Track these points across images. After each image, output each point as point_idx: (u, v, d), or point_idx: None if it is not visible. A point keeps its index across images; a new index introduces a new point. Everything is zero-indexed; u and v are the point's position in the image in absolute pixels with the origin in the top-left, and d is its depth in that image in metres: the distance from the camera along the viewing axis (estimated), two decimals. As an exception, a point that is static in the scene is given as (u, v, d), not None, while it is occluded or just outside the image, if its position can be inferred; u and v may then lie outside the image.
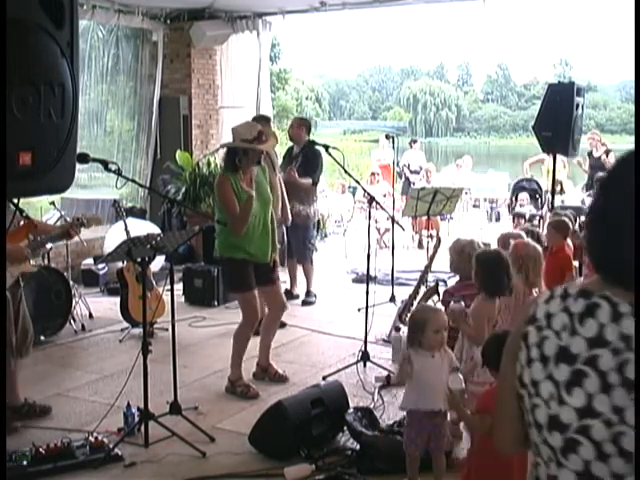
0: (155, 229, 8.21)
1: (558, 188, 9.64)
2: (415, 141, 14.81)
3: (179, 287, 7.42)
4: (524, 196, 11.06)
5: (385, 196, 10.63)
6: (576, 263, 6.16)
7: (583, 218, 8.07)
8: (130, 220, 6.96)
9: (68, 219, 5.53)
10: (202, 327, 6.76)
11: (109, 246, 7.34)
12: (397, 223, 6.98)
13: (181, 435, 4.23)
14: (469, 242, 4.78)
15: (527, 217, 10.54)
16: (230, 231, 4.95)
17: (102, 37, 10.21)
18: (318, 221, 8.26)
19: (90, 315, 6.98)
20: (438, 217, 9.77)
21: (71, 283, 6.61)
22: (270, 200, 5.21)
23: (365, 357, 5.53)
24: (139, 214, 9.43)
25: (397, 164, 12.16)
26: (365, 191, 6.62)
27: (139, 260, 4.45)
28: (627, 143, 37.21)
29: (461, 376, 3.09)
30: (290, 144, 7.63)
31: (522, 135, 64.76)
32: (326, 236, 11.42)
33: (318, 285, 7.86)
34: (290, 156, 7.49)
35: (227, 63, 10.26)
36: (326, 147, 6.05)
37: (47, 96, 2.11)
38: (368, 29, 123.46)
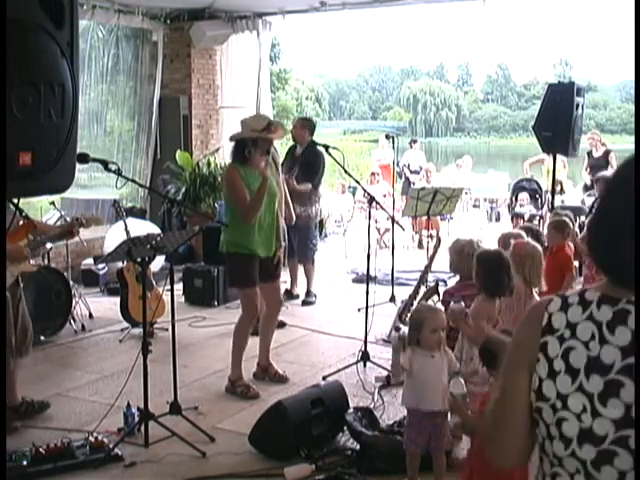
0: (155, 229, 8.21)
1: (558, 188, 9.64)
2: (415, 141, 14.80)
3: (179, 287, 7.41)
4: (524, 196, 11.05)
5: (385, 196, 10.63)
6: (576, 263, 6.16)
7: (583, 218, 8.08)
8: (130, 220, 6.96)
9: (68, 219, 5.53)
10: (202, 327, 6.76)
11: (109, 246, 7.34)
12: (397, 223, 6.99)
13: (181, 435, 4.23)
14: (469, 242, 4.78)
15: (527, 217, 10.54)
16: (237, 228, 4.96)
17: (102, 37, 10.21)
18: (320, 221, 8.26)
19: (90, 315, 6.98)
20: (438, 217, 9.77)
21: (71, 283, 6.61)
22: (277, 195, 5.23)
23: (365, 357, 5.53)
24: (139, 214, 9.43)
25: (397, 164, 12.16)
26: (365, 191, 6.62)
27: (139, 260, 4.45)
28: (627, 143, 37.22)
29: (462, 380, 3.08)
30: (292, 143, 7.63)
31: (522, 135, 64.77)
32: (326, 236, 11.42)
33: (318, 285, 7.86)
34: (292, 156, 7.48)
35: (227, 63, 10.26)
36: (326, 147, 6.06)
37: (47, 96, 2.11)
38: (368, 29, 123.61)
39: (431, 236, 8.28)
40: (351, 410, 4.36)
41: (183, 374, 4.98)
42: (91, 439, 4.11)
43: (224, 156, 9.79)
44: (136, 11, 9.30)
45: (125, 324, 6.50)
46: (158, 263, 7.42)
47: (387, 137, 10.68)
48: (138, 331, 5.79)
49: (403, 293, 6.78)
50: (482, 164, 25.15)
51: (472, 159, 14.90)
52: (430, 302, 5.22)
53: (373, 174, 11.63)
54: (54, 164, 2.20)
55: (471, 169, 14.42)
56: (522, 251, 4.18)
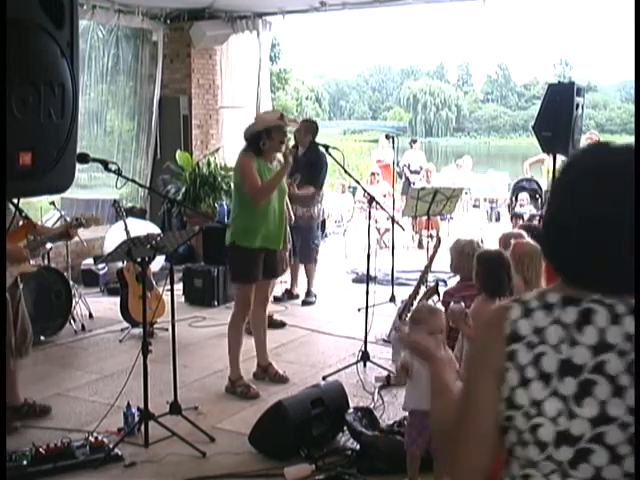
0: (155, 229, 8.21)
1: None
2: (415, 141, 14.81)
3: (179, 287, 7.41)
4: (524, 196, 11.06)
5: (385, 196, 10.63)
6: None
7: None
8: (130, 220, 6.96)
9: (68, 219, 5.53)
10: (202, 327, 6.76)
11: (109, 246, 7.34)
12: (397, 223, 6.99)
13: (181, 435, 4.23)
14: (469, 242, 4.78)
15: (527, 217, 10.54)
16: (247, 217, 4.96)
17: (102, 37, 10.21)
18: (323, 221, 8.26)
19: (90, 315, 6.98)
20: (438, 217, 9.77)
21: (71, 283, 6.61)
22: (285, 191, 5.26)
23: (365, 357, 5.53)
24: (139, 214, 9.43)
25: (397, 164, 12.16)
26: (365, 191, 6.62)
27: (139, 260, 4.45)
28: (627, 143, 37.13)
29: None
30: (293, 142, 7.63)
31: (522, 135, 64.75)
32: (326, 236, 11.42)
33: (318, 285, 7.86)
34: (295, 157, 7.48)
35: (227, 63, 10.26)
36: (326, 147, 6.07)
37: (47, 96, 2.10)
38: (368, 29, 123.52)
39: (431, 236, 8.28)
40: (351, 410, 4.36)
41: (183, 374, 4.98)
42: (91, 439, 4.11)
43: (224, 156, 9.80)
44: (136, 11, 9.29)
45: (125, 324, 6.50)
46: (158, 263, 7.42)
47: (387, 137, 10.68)
48: (138, 331, 5.79)
49: (403, 293, 6.78)
50: (482, 164, 25.16)
51: (472, 159, 14.90)
52: (430, 302, 5.22)
53: (373, 174, 11.63)
54: (54, 164, 2.20)
55: (471, 169, 14.42)
56: (521, 251, 4.17)
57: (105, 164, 4.05)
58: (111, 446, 4.08)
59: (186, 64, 9.99)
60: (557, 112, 6.87)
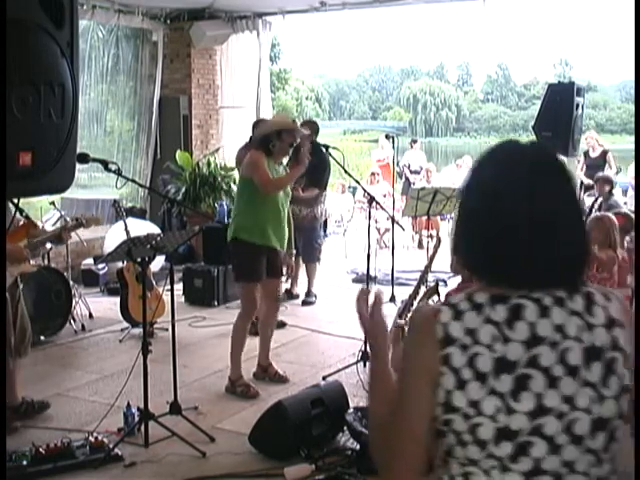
0: (155, 229, 8.21)
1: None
2: (415, 141, 14.81)
3: (179, 287, 7.41)
4: (524, 196, 11.05)
5: (385, 196, 10.63)
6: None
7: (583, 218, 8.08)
8: (130, 220, 6.96)
9: (68, 219, 5.53)
10: (202, 327, 6.76)
11: (109, 246, 7.34)
12: (397, 223, 6.99)
13: (181, 435, 4.23)
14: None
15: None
16: (253, 213, 4.96)
17: (102, 37, 10.21)
18: (325, 221, 8.27)
19: (90, 315, 6.98)
20: (438, 217, 9.77)
21: (71, 283, 6.61)
22: (290, 194, 5.26)
23: (365, 357, 5.52)
24: (139, 214, 9.43)
25: (397, 164, 12.16)
26: (365, 191, 6.63)
27: (139, 260, 4.45)
28: (627, 143, 37.20)
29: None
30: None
31: (522, 135, 64.61)
32: (326, 236, 11.42)
33: (318, 285, 7.86)
34: (296, 157, 7.48)
35: (227, 63, 10.26)
36: (326, 147, 6.08)
37: (47, 96, 2.10)
38: (368, 29, 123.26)
39: (431, 236, 8.28)
40: (351, 410, 4.36)
41: (183, 374, 4.98)
42: (91, 439, 4.11)
43: (224, 156, 9.80)
44: (136, 11, 9.29)
45: (125, 324, 6.50)
46: (158, 263, 7.42)
47: (387, 137, 10.67)
48: (138, 331, 5.79)
49: (403, 293, 6.77)
50: (482, 164, 25.08)
51: (472, 159, 14.86)
52: (430, 302, 5.22)
53: (373, 174, 11.63)
54: (54, 164, 2.19)
55: (471, 169, 14.40)
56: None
57: (105, 164, 4.05)
58: (111, 446, 4.08)
59: (186, 64, 9.99)
60: (557, 112, 6.87)
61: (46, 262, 6.70)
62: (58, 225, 6.09)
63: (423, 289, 5.86)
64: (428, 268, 6.14)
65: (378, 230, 10.43)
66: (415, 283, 6.19)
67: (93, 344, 6.33)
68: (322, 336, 6.57)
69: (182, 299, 7.47)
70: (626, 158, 15.81)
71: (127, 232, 6.00)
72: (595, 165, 10.64)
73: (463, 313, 1.40)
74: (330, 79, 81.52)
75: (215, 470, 3.98)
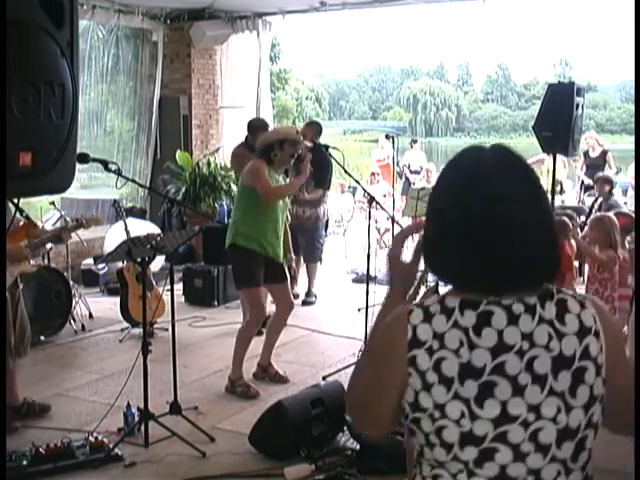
0: (155, 229, 8.21)
1: (558, 188, 9.65)
2: (415, 141, 14.80)
3: (179, 287, 7.41)
4: (524, 196, 11.05)
5: (385, 196, 10.64)
6: (576, 263, 6.15)
7: (583, 218, 8.08)
8: (130, 220, 6.96)
9: (68, 219, 5.53)
10: (202, 327, 6.76)
11: (109, 246, 7.34)
12: (397, 223, 6.98)
13: (181, 435, 4.23)
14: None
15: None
16: (252, 220, 4.95)
17: (102, 37, 10.21)
18: (327, 221, 8.27)
19: (90, 315, 6.98)
20: (438, 217, 9.75)
21: (71, 283, 6.61)
22: (287, 206, 5.27)
23: (365, 357, 5.53)
24: (139, 214, 9.43)
25: (397, 164, 12.15)
26: (365, 191, 6.62)
27: (139, 260, 4.45)
28: (627, 143, 37.18)
29: None
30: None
31: (522, 135, 64.66)
32: (327, 236, 11.41)
33: (318, 285, 7.86)
34: (298, 159, 7.48)
35: (227, 63, 10.26)
36: (326, 147, 6.08)
37: (47, 96, 2.10)
38: (368, 29, 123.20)
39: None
40: (351, 410, 4.36)
41: (183, 374, 4.98)
42: (91, 439, 4.11)
43: (224, 156, 9.79)
44: (136, 11, 9.29)
45: (125, 324, 6.50)
46: (158, 263, 7.42)
47: (387, 137, 10.65)
48: (138, 331, 5.79)
49: (403, 293, 6.77)
50: (482, 164, 25.08)
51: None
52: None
53: (373, 174, 11.63)
54: (54, 164, 2.19)
55: (471, 169, 14.40)
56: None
57: (105, 164, 4.05)
58: (111, 446, 4.08)
59: (186, 64, 9.99)
60: (557, 112, 6.87)
61: (46, 262, 6.70)
62: (58, 225, 6.10)
63: (423, 289, 5.88)
64: (428, 268, 6.15)
65: (378, 230, 10.43)
66: (415, 283, 6.21)
67: (93, 344, 6.33)
68: (322, 336, 6.57)
69: (182, 299, 7.47)
70: (626, 158, 15.80)
71: (127, 232, 6.00)
72: (595, 165, 10.65)
73: (433, 316, 1.42)
74: (330, 79, 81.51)
75: (215, 470, 3.98)
